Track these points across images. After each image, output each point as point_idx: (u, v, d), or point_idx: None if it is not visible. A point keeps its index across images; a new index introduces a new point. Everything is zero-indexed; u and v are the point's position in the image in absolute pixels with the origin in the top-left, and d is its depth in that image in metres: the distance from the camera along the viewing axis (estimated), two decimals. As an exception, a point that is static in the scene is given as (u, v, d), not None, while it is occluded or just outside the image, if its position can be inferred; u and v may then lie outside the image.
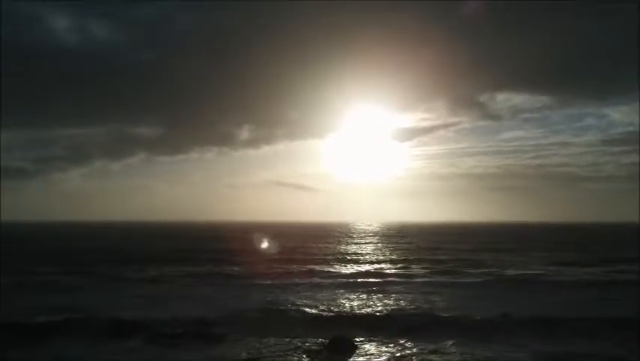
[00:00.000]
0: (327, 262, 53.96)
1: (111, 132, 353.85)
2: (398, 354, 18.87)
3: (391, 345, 19.88)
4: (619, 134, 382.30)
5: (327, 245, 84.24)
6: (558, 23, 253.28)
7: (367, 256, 61.92)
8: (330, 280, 38.99)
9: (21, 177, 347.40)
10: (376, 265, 50.55)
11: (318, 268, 48.31)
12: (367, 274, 43.66)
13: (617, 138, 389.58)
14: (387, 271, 45.12)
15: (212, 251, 67.15)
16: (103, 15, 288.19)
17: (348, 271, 45.70)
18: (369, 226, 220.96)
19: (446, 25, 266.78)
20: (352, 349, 19.42)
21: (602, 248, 73.40)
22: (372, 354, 18.94)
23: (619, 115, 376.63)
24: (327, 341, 19.83)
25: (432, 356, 18.42)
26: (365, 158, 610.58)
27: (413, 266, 49.71)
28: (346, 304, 28.60)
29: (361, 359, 18.54)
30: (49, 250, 70.15)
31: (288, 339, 20.57)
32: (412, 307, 27.64)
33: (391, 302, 29.26)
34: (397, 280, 39.71)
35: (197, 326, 22.46)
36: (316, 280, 39.45)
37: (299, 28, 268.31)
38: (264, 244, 79.38)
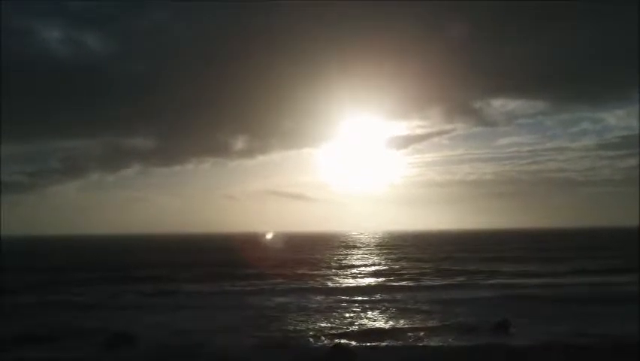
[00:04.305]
0: (328, 275, 53.78)
1: (106, 144, 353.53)
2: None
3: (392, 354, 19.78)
4: (615, 138, 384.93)
5: (326, 256, 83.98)
6: (553, 29, 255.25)
7: (367, 268, 61.72)
8: (333, 294, 38.37)
9: (17, 191, 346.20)
10: (377, 278, 50.24)
11: (318, 279, 48.15)
12: (368, 286, 43.33)
13: (613, 142, 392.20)
14: (389, 284, 44.72)
15: (210, 263, 66.93)
16: (96, 26, 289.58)
17: (350, 284, 45.33)
18: (367, 235, 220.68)
19: (440, 32, 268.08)
20: (353, 357, 19.33)
21: (611, 255, 71.10)
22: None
23: (615, 119, 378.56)
24: (328, 349, 19.78)
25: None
26: (361, 166, 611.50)
27: (415, 277, 49.10)
28: (347, 316, 28.47)
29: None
30: (47, 264, 69.76)
31: (288, 349, 20.50)
32: (414, 321, 27.44)
33: (394, 315, 29.11)
34: (398, 294, 38.25)
35: (197, 338, 22.35)
36: (317, 292, 39.09)
37: (293, 37, 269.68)
38: (263, 255, 79.09)
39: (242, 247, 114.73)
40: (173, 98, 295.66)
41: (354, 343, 21.44)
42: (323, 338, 22.76)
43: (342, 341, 21.71)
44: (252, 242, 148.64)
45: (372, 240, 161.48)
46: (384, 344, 21.49)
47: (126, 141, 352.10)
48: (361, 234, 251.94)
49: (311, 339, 22.55)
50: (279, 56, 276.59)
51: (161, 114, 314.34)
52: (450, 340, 21.93)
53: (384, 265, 62.74)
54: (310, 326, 25.34)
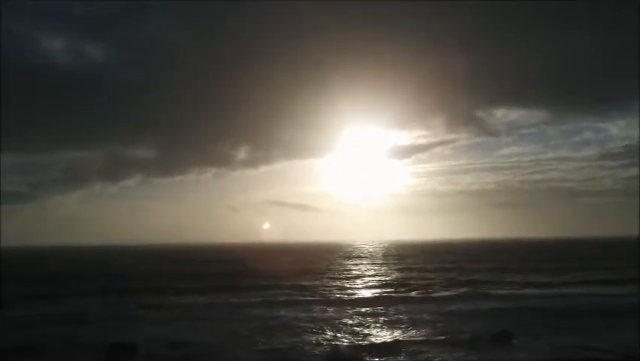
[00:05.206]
0: (331, 286, 53.59)
1: (108, 155, 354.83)
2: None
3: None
4: (617, 148, 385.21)
5: (330, 266, 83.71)
6: (555, 39, 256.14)
7: (371, 278, 61.46)
8: (336, 306, 38.11)
9: (19, 201, 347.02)
10: (381, 289, 50.13)
11: (321, 291, 47.99)
12: (372, 297, 43.08)
13: (615, 152, 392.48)
14: (393, 295, 44.40)
15: (212, 274, 66.74)
16: (97, 35, 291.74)
17: (353, 295, 44.97)
18: (370, 245, 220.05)
19: (442, 42, 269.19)
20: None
21: (613, 266, 70.34)
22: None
23: (617, 129, 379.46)
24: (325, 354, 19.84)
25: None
26: (363, 176, 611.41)
27: (419, 288, 48.75)
28: (349, 328, 28.37)
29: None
30: (47, 275, 69.70)
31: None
32: (417, 333, 27.30)
33: (397, 327, 28.99)
34: (402, 305, 37.81)
35: (198, 349, 22.26)
36: (320, 304, 38.86)
37: (295, 47, 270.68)
38: (266, 266, 78.91)
39: (244, 257, 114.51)
40: (175, 109, 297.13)
41: (355, 355, 21.30)
42: (325, 350, 22.62)
43: (344, 353, 21.58)
44: (254, 252, 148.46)
45: (376, 250, 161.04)
46: (385, 357, 21.35)
47: (128, 152, 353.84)
48: (364, 244, 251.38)
49: (313, 351, 22.42)
50: (281, 66, 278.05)
51: (163, 124, 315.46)
52: (451, 353, 21.77)
53: (388, 276, 62.42)
54: (312, 339, 25.20)
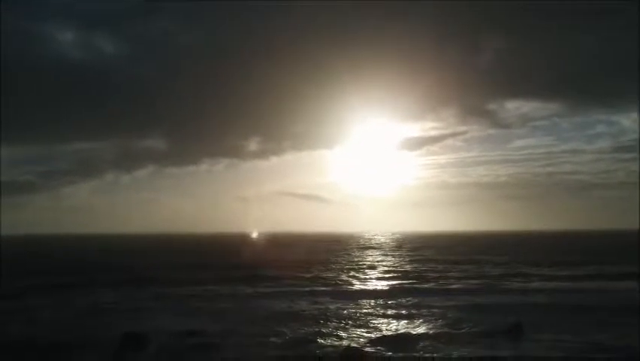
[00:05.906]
0: (343, 277, 53.63)
1: (119, 145, 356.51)
2: None
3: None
4: (630, 141, 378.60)
5: (342, 258, 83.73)
6: (568, 31, 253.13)
7: (383, 270, 61.40)
8: (349, 297, 38.13)
9: (33, 191, 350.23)
10: (392, 281, 50.12)
11: (333, 282, 48.11)
12: (384, 289, 43.21)
13: (628, 145, 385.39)
14: (404, 287, 44.47)
15: (224, 265, 67.03)
16: (108, 29, 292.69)
17: (365, 287, 45.15)
18: (381, 236, 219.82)
19: (454, 34, 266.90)
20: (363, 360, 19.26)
21: (627, 260, 68.22)
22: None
23: (630, 122, 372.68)
24: (340, 353, 19.70)
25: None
26: (374, 168, 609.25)
27: (432, 280, 48.89)
28: (362, 320, 28.39)
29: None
30: (60, 265, 70.34)
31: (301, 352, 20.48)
32: (429, 326, 27.26)
33: (409, 320, 28.95)
34: (415, 297, 37.86)
35: (210, 339, 22.38)
36: (332, 295, 38.97)
37: (305, 40, 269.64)
38: (277, 256, 79.07)
39: (255, 247, 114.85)
40: (187, 100, 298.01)
41: (366, 348, 21.30)
42: (336, 341, 22.65)
43: (354, 345, 21.58)
44: (265, 243, 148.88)
45: (387, 241, 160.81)
46: (395, 351, 21.29)
47: (139, 142, 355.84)
48: (375, 235, 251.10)
49: (324, 342, 22.44)
50: (292, 60, 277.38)
51: (175, 115, 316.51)
52: (462, 346, 21.69)
53: (400, 267, 62.38)
54: (324, 330, 25.25)
